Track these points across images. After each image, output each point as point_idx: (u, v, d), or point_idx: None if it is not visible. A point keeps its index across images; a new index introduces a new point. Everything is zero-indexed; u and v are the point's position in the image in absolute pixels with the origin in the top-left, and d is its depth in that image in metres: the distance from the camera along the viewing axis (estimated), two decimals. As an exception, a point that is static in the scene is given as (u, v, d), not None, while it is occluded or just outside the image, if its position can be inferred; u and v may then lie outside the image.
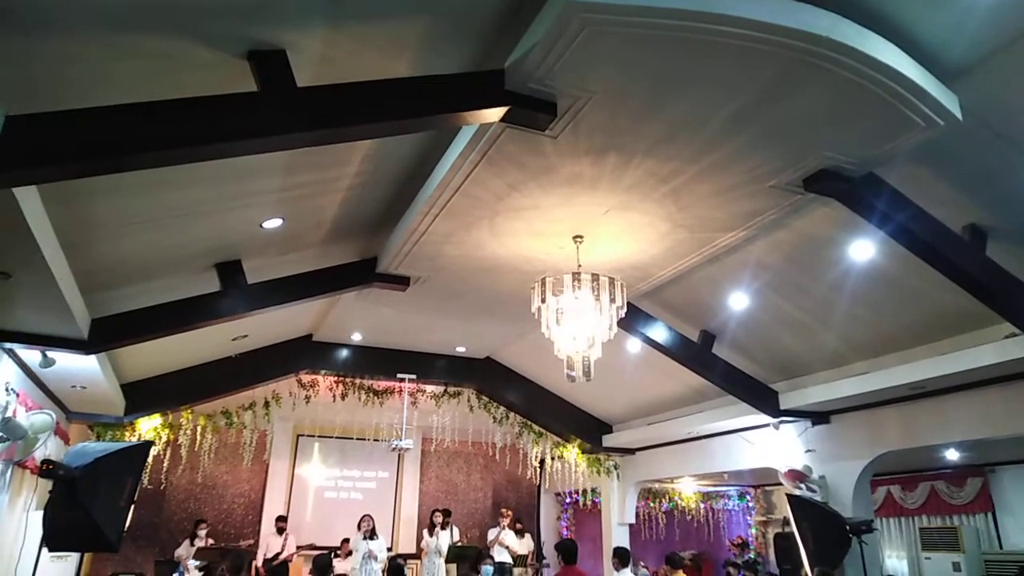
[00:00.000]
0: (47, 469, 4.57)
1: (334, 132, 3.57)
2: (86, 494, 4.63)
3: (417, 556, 11.32)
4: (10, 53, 2.84)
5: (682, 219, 5.43)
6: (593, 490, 12.30)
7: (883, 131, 4.05)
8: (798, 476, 7.90)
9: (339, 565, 9.57)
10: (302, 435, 11.90)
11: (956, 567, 9.96)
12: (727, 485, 13.61)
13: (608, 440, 11.32)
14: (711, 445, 9.91)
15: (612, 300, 5.35)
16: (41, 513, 4.80)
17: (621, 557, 6.73)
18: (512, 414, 11.55)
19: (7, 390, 5.50)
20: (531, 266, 6.34)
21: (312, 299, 6.97)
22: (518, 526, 11.12)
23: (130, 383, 8.26)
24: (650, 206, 5.21)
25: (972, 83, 3.81)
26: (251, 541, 10.78)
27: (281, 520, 10.38)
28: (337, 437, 11.46)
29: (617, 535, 11.31)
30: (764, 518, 13.60)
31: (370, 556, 9.64)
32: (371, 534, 9.87)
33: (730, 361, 7.88)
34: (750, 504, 14.00)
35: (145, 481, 9.01)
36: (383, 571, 9.53)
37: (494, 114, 3.81)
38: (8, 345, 5.47)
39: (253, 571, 9.79)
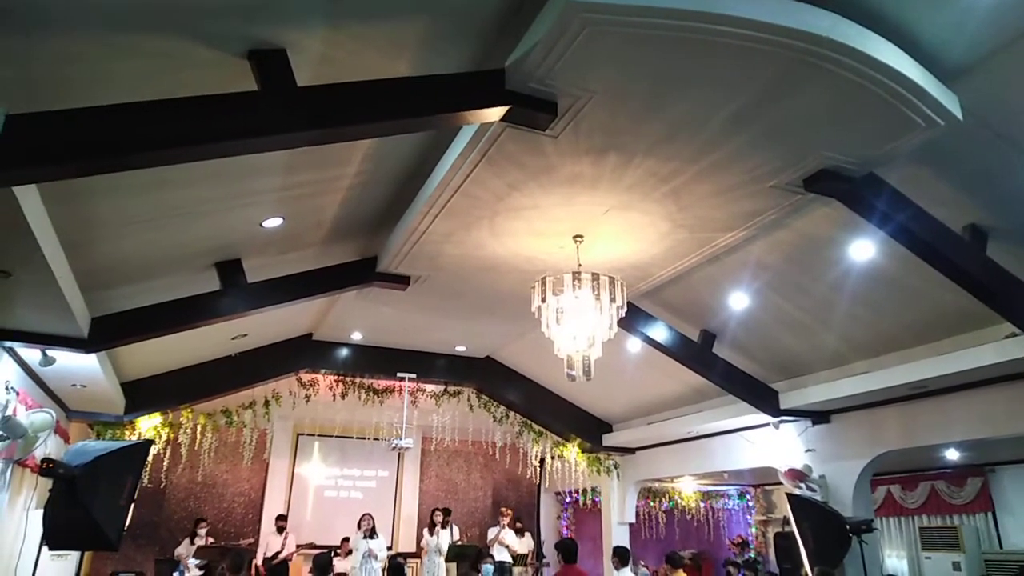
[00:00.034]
0: (47, 468, 4.58)
1: (334, 131, 3.58)
2: (86, 493, 4.63)
3: (417, 555, 11.33)
4: (10, 53, 2.84)
5: (682, 219, 5.43)
6: (593, 489, 12.30)
7: (884, 131, 4.05)
8: (798, 475, 7.90)
9: (339, 564, 9.56)
10: (302, 434, 11.90)
11: (956, 567, 9.98)
12: (727, 484, 13.61)
13: (608, 439, 11.31)
14: (711, 444, 9.91)
15: (612, 299, 5.34)
16: (41, 512, 4.82)
17: (621, 556, 6.74)
18: (512, 413, 11.53)
19: (7, 388, 5.49)
20: (531, 265, 6.34)
21: (312, 298, 6.97)
22: (518, 525, 11.11)
23: (130, 382, 8.27)
24: (650, 206, 5.21)
25: (972, 83, 3.81)
26: (251, 540, 10.78)
27: (281, 519, 10.39)
28: (337, 436, 11.45)
29: (617, 534, 11.30)
30: (764, 517, 13.60)
31: (370, 555, 9.64)
32: (371, 533, 9.87)
33: (730, 361, 7.88)
34: (750, 503, 14.00)
35: (145, 480, 9.01)
36: (383, 570, 9.53)
37: (494, 114, 3.81)
38: (8, 344, 5.47)
39: (253, 570, 9.80)
